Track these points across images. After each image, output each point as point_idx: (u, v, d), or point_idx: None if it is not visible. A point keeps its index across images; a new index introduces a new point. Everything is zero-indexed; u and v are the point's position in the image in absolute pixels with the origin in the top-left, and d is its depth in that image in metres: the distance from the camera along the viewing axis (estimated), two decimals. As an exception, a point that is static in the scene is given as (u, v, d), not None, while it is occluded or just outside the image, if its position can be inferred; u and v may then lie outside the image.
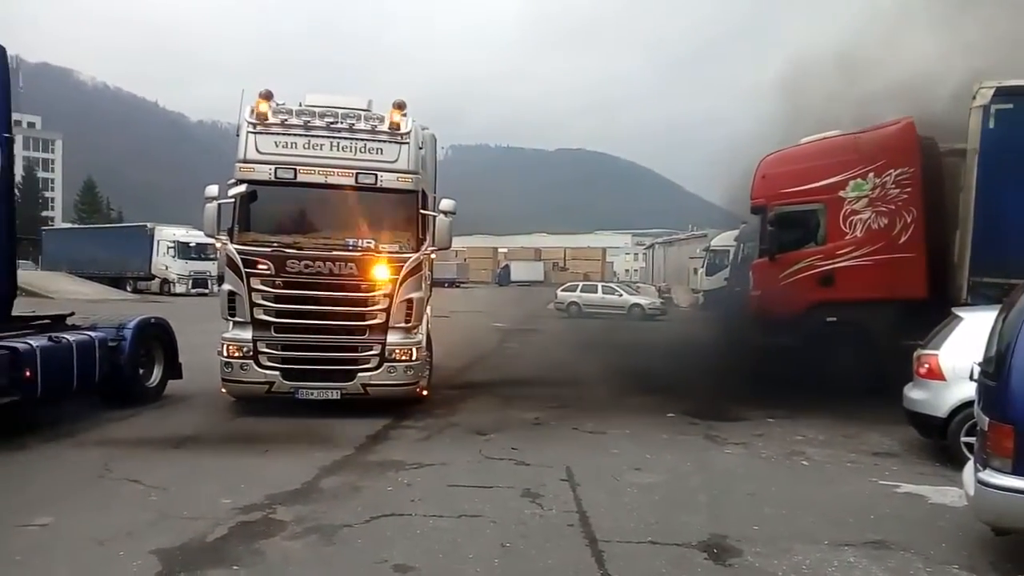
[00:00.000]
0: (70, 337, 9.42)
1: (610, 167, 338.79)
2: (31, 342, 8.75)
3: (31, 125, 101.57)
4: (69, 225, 74.82)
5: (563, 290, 38.56)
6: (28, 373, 8.50)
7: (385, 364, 10.04)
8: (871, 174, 12.59)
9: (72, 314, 10.66)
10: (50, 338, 9.11)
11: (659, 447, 8.94)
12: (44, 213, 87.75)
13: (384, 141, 10.12)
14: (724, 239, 31.90)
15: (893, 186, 12.48)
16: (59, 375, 9.00)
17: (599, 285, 40.42)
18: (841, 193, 12.73)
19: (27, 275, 27.36)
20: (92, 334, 9.83)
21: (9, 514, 6.02)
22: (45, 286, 33.09)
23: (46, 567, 5.10)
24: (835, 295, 12.62)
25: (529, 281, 74.77)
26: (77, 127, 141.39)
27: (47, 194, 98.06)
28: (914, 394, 8.84)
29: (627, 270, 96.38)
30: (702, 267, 35.96)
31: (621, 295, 37.15)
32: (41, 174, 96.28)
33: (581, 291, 37.64)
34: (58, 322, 10.20)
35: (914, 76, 14.67)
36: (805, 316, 12.69)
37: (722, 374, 13.25)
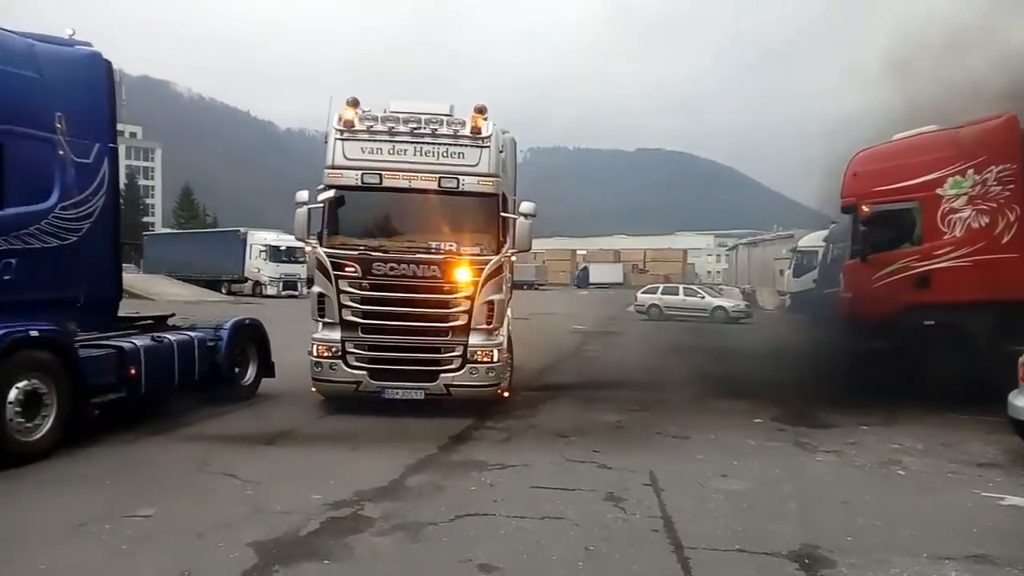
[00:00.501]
0: (171, 337, 9.92)
1: (690, 167, 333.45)
2: (136, 341, 9.26)
3: (132, 135, 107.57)
4: (168, 230, 78.76)
5: (643, 292, 38.13)
6: (133, 371, 8.99)
7: (467, 365, 10.17)
8: (971, 171, 11.97)
9: (173, 315, 11.22)
10: (153, 338, 9.63)
11: (746, 453, 8.73)
12: (145, 219, 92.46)
13: (466, 145, 10.25)
14: (812, 239, 30.92)
15: (995, 183, 11.83)
16: (161, 373, 9.49)
17: (680, 287, 39.75)
18: (938, 191, 12.16)
19: (130, 278, 28.87)
20: (191, 334, 10.33)
21: (117, 504, 6.37)
22: (147, 288, 34.92)
23: (150, 556, 5.35)
24: (932, 297, 12.06)
25: (608, 283, 74.26)
26: (175, 136, 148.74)
27: (147, 201, 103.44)
28: (1020, 401, 8.35)
29: (709, 272, 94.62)
30: (789, 268, 34.97)
31: (704, 297, 36.46)
32: (142, 182, 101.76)
33: (662, 293, 37.14)
34: (160, 323, 10.77)
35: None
36: (900, 319, 12.18)
37: (812, 379, 12.84)
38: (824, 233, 27.20)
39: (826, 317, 16.72)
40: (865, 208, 12.82)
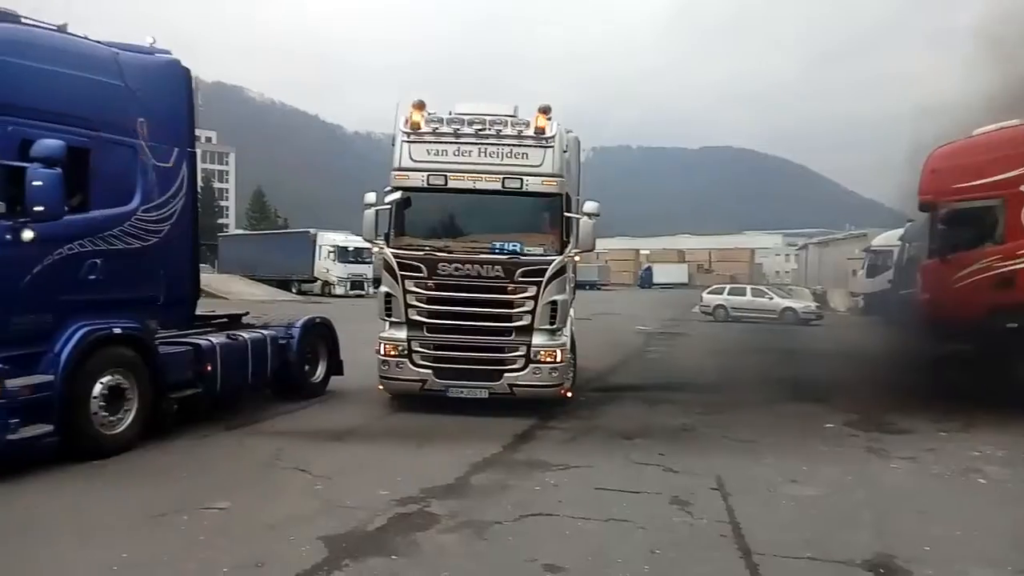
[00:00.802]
0: (245, 335, 10.26)
1: (758, 164, 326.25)
2: (212, 339, 9.60)
3: (208, 140, 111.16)
4: (241, 231, 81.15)
5: (709, 292, 37.46)
6: (209, 367, 9.33)
7: (531, 365, 10.19)
8: (1059, 166, 11.38)
9: (247, 314, 11.59)
10: (228, 336, 9.97)
11: (817, 459, 8.51)
12: (220, 220, 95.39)
13: (530, 146, 10.28)
14: (887, 239, 29.84)
15: (1084, 179, 11.22)
16: (236, 370, 9.82)
17: (748, 287, 38.90)
18: (1023, 187, 11.60)
19: (206, 277, 29.83)
20: (264, 332, 10.67)
21: (194, 496, 6.61)
22: (222, 288, 36.10)
23: (226, 547, 5.53)
24: (1016, 298, 11.50)
25: (672, 283, 73.33)
26: (248, 140, 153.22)
27: (222, 203, 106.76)
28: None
29: (778, 272, 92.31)
30: (862, 269, 33.80)
31: (772, 298, 35.61)
32: (217, 185, 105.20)
33: (728, 294, 36.43)
34: (234, 321, 11.14)
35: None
36: (981, 321, 11.65)
37: (886, 383, 12.43)
38: (899, 232, 26.24)
39: (902, 319, 16.15)
40: (941, 206, 12.33)
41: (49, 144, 7.09)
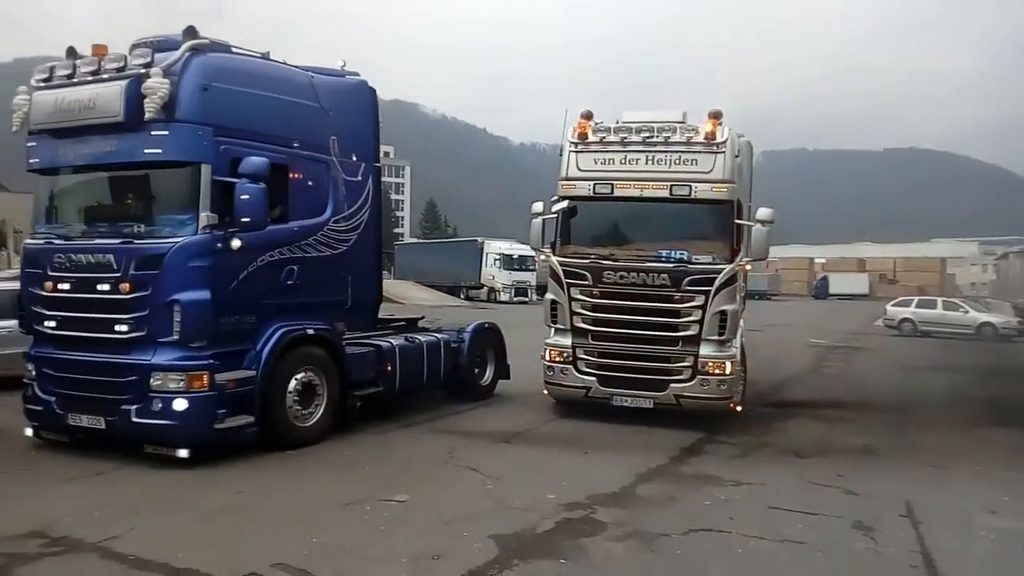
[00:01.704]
0: (421, 338, 10.83)
1: (948, 166, 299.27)
2: (392, 341, 10.22)
3: (386, 154, 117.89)
4: (415, 240, 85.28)
5: (894, 305, 34.74)
6: (389, 368, 9.94)
7: (698, 376, 9.96)
8: None
9: (423, 318, 12.20)
10: (406, 338, 10.57)
11: (1019, 489, 7.70)
12: (396, 230, 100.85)
13: (699, 152, 10.07)
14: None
15: None
16: (413, 371, 10.38)
17: (939, 300, 35.70)
18: None
19: (384, 283, 31.69)
20: (438, 336, 11.20)
21: (376, 488, 7.06)
22: (397, 293, 38.05)
23: (405, 538, 5.86)
24: None
25: (851, 294, 68.72)
26: (421, 154, 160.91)
27: (398, 213, 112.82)
28: None
29: (972, 283, 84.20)
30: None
31: (967, 312, 32.48)
32: (394, 196, 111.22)
33: (916, 306, 33.61)
34: (412, 324, 11.78)
35: None
36: None
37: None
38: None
39: None
40: None
41: (255, 161, 7.84)
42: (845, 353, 22.76)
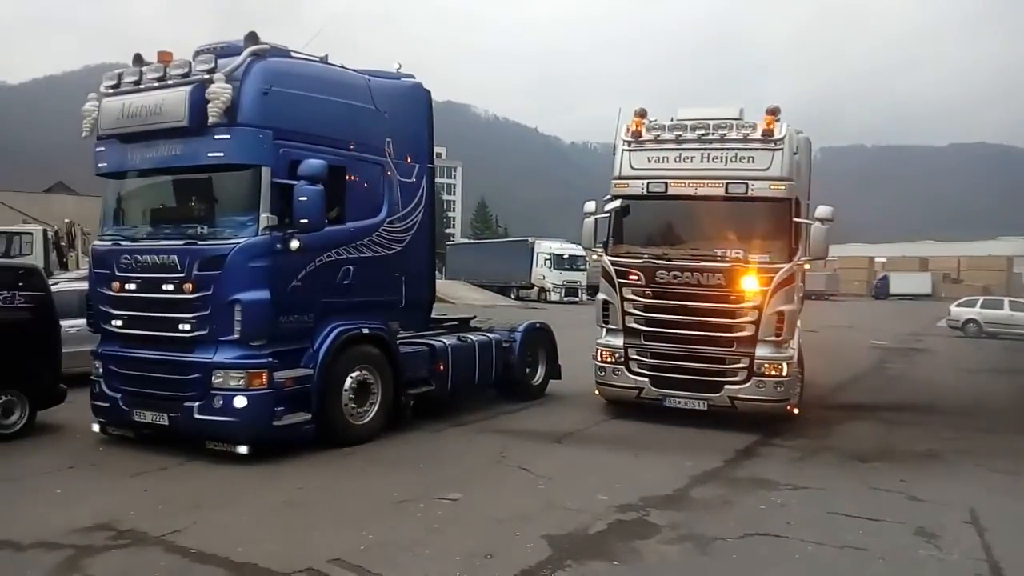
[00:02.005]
0: (473, 338, 10.90)
1: (1018, 162, 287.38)
2: (444, 340, 10.32)
3: (438, 155, 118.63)
4: (466, 240, 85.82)
5: (958, 305, 33.57)
6: (441, 367, 10.03)
7: (754, 378, 9.80)
8: None
9: (475, 317, 12.27)
10: (459, 338, 10.66)
11: (1097, 499, 7.39)
12: (447, 230, 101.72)
13: (756, 149, 9.90)
14: None
15: None
16: (465, 370, 10.46)
17: (1006, 300, 34.33)
18: None
19: (437, 283, 31.94)
20: (490, 336, 11.26)
21: (429, 487, 7.13)
22: (448, 293, 38.33)
23: (458, 537, 5.91)
24: None
25: (913, 294, 66.73)
26: (473, 154, 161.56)
27: (449, 214, 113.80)
28: None
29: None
30: None
31: (1036, 313, 31.23)
32: (445, 197, 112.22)
33: (982, 307, 32.43)
34: (464, 324, 11.88)
35: None
36: None
37: None
38: None
39: None
40: None
41: (313, 164, 7.99)
42: (907, 355, 22.12)
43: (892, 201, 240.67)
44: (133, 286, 8.25)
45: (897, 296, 67.14)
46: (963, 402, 13.39)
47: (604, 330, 10.67)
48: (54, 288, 10.08)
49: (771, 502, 7.01)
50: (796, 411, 10.29)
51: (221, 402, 7.76)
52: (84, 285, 9.77)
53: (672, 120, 10.43)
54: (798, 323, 10.60)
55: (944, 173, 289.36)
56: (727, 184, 9.90)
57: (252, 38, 8.08)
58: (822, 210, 9.98)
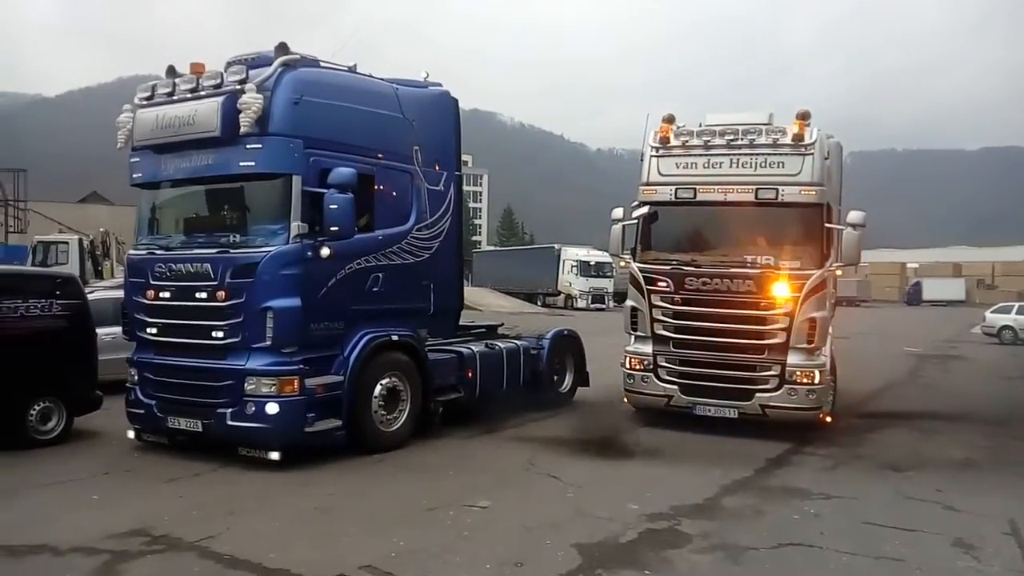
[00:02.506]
0: (501, 345, 10.92)
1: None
2: (472, 347, 10.35)
3: (465, 163, 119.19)
4: (492, 247, 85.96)
5: (993, 311, 32.96)
6: (470, 374, 10.05)
7: (785, 386, 9.68)
8: None
9: (502, 324, 12.28)
10: (487, 345, 10.69)
11: None
12: (474, 238, 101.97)
13: (786, 154, 9.80)
14: None
15: None
16: (493, 377, 10.48)
17: (1042, 306, 33.71)
18: None
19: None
20: (518, 342, 11.27)
21: (459, 494, 7.14)
22: (475, 300, 38.35)
23: (488, 544, 5.91)
24: None
25: (946, 300, 65.63)
26: (499, 162, 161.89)
27: (475, 221, 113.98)
28: None
29: (1081, 289, 78.89)
30: None
31: (1075, 319, 30.50)
32: (472, 204, 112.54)
33: (1017, 313, 31.83)
34: (492, 331, 11.87)
35: None
36: None
37: None
38: None
39: None
40: None
41: (343, 172, 8.07)
42: (941, 362, 21.73)
43: (923, 206, 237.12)
44: (167, 294, 8.37)
45: (930, 302, 66.07)
46: (999, 410, 13.11)
47: (633, 337, 10.61)
48: (90, 296, 10.25)
49: (804, 511, 6.92)
50: (828, 419, 10.15)
51: (253, 408, 7.84)
52: (119, 293, 9.95)
53: (700, 126, 10.36)
54: (830, 330, 10.47)
55: (976, 177, 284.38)
56: (757, 190, 9.81)
57: (282, 48, 8.19)
58: (854, 215, 9.85)
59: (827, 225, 9.84)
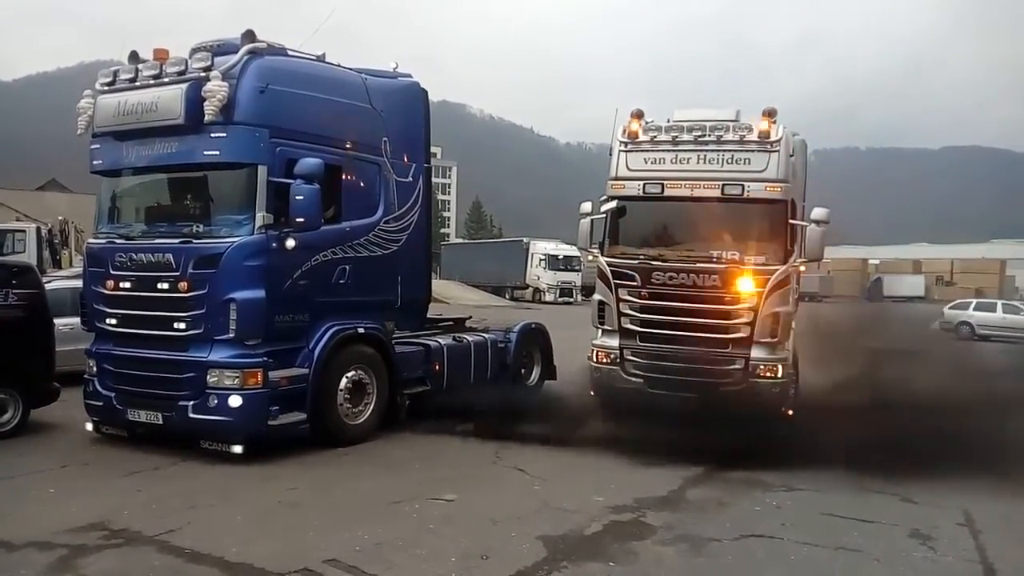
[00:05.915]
0: (468, 338, 10.87)
1: (1011, 164, 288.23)
2: (440, 340, 10.30)
3: (433, 155, 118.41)
4: (460, 240, 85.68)
5: (951, 308, 33.77)
6: (437, 367, 10.01)
7: (749, 379, 9.80)
8: None
9: (470, 318, 12.24)
10: (454, 338, 10.63)
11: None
12: (442, 230, 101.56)
13: (752, 151, 9.90)
14: None
15: None
16: (460, 370, 10.43)
17: (998, 303, 34.54)
18: None
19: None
20: (485, 336, 11.23)
21: (424, 487, 7.13)
22: (442, 292, 38.20)
23: (453, 537, 5.91)
24: None
25: (905, 297, 66.97)
26: (468, 154, 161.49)
27: (444, 214, 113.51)
28: None
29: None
30: None
31: (1029, 315, 31.36)
32: (440, 196, 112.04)
33: (974, 309, 32.62)
34: (459, 324, 11.84)
35: None
36: None
37: None
38: None
39: None
40: None
41: (310, 162, 7.96)
42: (901, 357, 22.14)
43: (885, 204, 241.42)
44: (128, 284, 8.21)
45: (890, 298, 67.33)
46: (957, 404, 13.38)
47: (600, 331, 10.63)
48: (48, 286, 10.02)
49: (766, 504, 7.04)
50: (791, 413, 10.29)
51: (216, 401, 7.73)
52: (78, 283, 9.73)
53: (669, 121, 10.40)
54: (793, 325, 10.61)
55: (938, 176, 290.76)
56: (723, 185, 9.89)
57: (249, 35, 8.05)
58: (818, 212, 9.99)
59: (791, 221, 9.96)
